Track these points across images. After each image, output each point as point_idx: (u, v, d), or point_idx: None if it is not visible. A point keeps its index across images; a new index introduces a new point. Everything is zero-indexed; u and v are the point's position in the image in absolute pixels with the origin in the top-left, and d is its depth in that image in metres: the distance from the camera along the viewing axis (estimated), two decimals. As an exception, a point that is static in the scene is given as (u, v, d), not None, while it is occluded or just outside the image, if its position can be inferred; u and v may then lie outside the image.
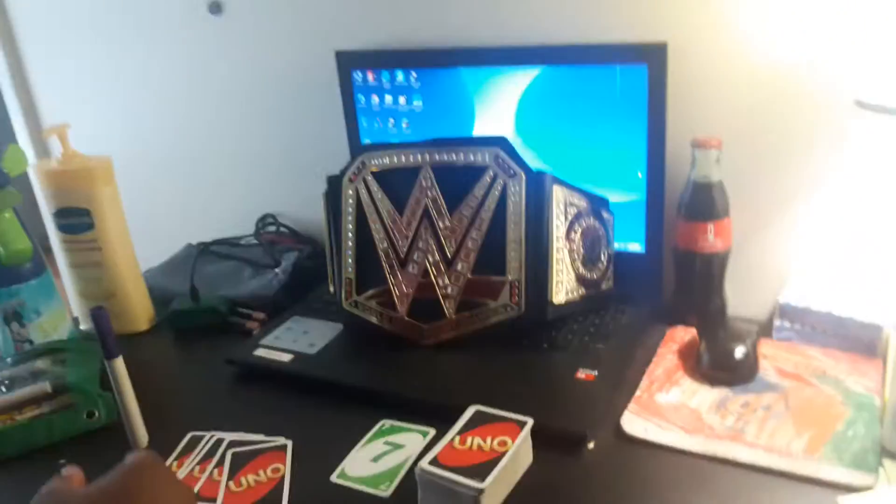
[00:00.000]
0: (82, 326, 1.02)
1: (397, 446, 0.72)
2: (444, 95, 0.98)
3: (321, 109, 1.10)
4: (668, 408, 0.73)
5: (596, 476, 0.65)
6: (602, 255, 0.89)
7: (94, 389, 0.80)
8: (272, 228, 1.21)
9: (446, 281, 0.84)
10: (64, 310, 0.99)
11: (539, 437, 0.68)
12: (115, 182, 0.98)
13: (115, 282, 0.98)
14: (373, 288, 0.88)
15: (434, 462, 0.63)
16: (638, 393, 0.75)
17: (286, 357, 0.88)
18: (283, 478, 0.69)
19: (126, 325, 1.00)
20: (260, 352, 0.89)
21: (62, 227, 0.97)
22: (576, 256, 0.86)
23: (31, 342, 0.95)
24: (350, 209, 0.89)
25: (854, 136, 0.82)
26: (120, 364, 0.74)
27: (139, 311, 1.01)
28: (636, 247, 0.94)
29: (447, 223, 0.85)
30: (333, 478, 0.69)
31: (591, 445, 0.69)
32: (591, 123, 0.91)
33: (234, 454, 0.73)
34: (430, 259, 0.85)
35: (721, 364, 0.77)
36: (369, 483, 0.67)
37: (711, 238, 0.85)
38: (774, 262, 0.90)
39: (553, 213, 0.82)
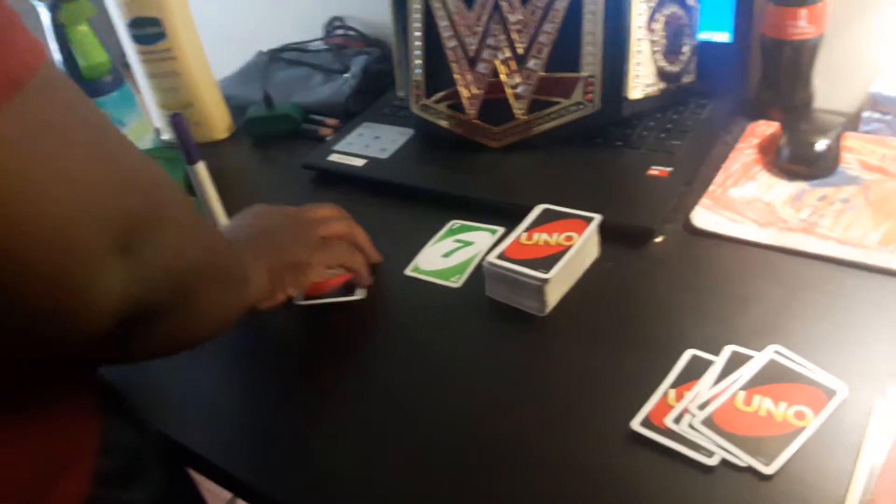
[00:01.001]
0: (164, 136, 1.06)
1: (467, 243, 0.74)
2: None
3: None
4: (742, 202, 0.71)
5: (662, 269, 0.66)
6: (684, 46, 0.84)
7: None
8: (340, 32, 1.19)
9: (517, 79, 0.82)
10: (146, 120, 1.03)
11: (607, 233, 0.68)
12: (182, -11, 0.97)
13: (192, 90, 1.00)
14: (442, 90, 0.87)
15: (501, 256, 0.65)
16: (712, 188, 0.74)
17: (359, 162, 0.89)
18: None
19: (205, 134, 1.03)
20: (334, 157, 0.91)
21: (136, 38, 0.98)
22: (656, 48, 0.81)
23: (120, 152, 0.99)
24: (417, 7, 0.86)
25: None
26: (202, 168, 0.77)
27: (216, 120, 1.04)
28: (722, 36, 0.87)
29: (519, 16, 0.81)
30: (407, 271, 0.72)
31: (659, 239, 0.69)
32: None
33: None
34: (501, 57, 0.82)
35: (801, 157, 0.73)
36: (441, 275, 0.70)
37: (804, 24, 0.78)
38: (868, 51, 0.83)
39: (633, 1, 0.77)
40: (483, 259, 0.67)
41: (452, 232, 0.76)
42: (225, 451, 0.58)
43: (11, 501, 0.44)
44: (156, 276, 0.40)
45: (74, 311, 0.35)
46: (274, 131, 1.01)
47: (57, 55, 0.93)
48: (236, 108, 1.07)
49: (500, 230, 0.74)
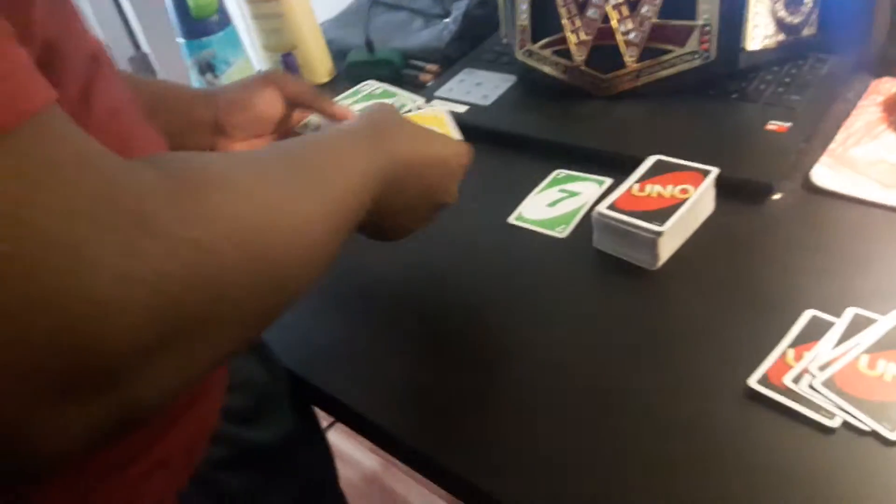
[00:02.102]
0: (268, 78, 1.07)
1: (573, 193, 0.74)
2: None
3: None
4: (865, 161, 0.68)
5: (780, 227, 0.64)
6: (806, -3, 0.80)
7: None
8: (441, -24, 1.17)
9: (629, 26, 0.80)
10: (250, 59, 1.04)
11: (723, 188, 0.66)
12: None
13: (295, 33, 1.01)
14: (548, 36, 0.85)
15: (612, 207, 0.64)
16: (832, 146, 0.71)
17: (461, 108, 0.89)
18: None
19: (307, 77, 1.04)
20: (435, 103, 0.91)
21: (242, -22, 0.99)
22: (776, -3, 0.78)
23: (224, 91, 1.02)
24: (526, -51, 0.84)
25: None
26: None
27: (319, 63, 1.05)
28: (847, -13, 0.83)
29: (632, -39, 0.78)
30: (511, 220, 0.72)
31: (777, 196, 0.67)
32: None
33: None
34: (612, 1, 0.80)
35: (934, 116, 0.70)
36: (546, 225, 0.70)
37: (944, -27, 0.74)
38: None
39: (755, -53, 0.74)
40: (591, 209, 0.67)
41: (557, 181, 0.76)
42: (352, 392, 0.60)
43: (135, 440, 0.44)
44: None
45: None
46: (374, 76, 1.02)
47: (168, -6, 0.95)
48: (337, 51, 1.07)
49: (608, 181, 0.73)
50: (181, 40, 0.99)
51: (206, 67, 1.01)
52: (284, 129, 0.72)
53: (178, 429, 0.47)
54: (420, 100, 0.87)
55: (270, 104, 0.69)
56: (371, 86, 0.94)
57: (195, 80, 1.02)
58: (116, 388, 0.26)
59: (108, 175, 0.27)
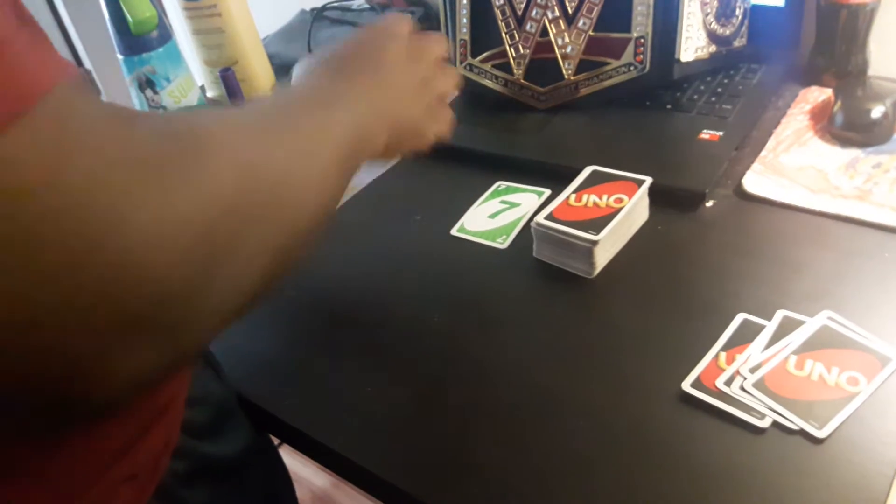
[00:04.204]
0: (209, 94, 1.06)
1: (513, 205, 0.74)
2: None
3: None
4: (794, 168, 0.70)
5: (713, 233, 0.66)
6: (737, 10, 0.83)
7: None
8: (383, -9, 1.18)
9: (566, 39, 0.81)
10: (192, 76, 1.03)
11: (657, 197, 0.68)
12: (227, -56, 0.97)
13: (237, 48, 1.00)
14: (488, 50, 0.86)
15: (550, 217, 0.65)
16: (763, 153, 0.73)
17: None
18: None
19: (249, 92, 1.03)
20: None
21: (181, -6, 0.98)
22: (708, 10, 0.80)
23: (164, 108, 1.00)
24: (464, -36, 0.85)
25: None
26: (249, 125, 0.77)
27: (261, 78, 1.04)
28: (775, 0, 0.86)
29: (567, -24, 0.80)
30: (453, 232, 0.72)
31: (709, 204, 0.68)
32: None
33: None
34: (550, 16, 0.81)
35: (855, 124, 0.72)
36: (487, 236, 0.71)
37: (863, -14, 0.77)
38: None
39: (684, -39, 0.76)
40: (530, 220, 0.67)
41: (498, 193, 0.76)
42: (295, 410, 0.59)
43: (115, 442, 0.44)
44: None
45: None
46: (317, 90, 1.01)
47: (105, 10, 0.94)
48: (279, 66, 1.07)
49: (547, 192, 0.74)
50: (120, 56, 0.98)
51: (146, 84, 0.99)
52: None
53: (148, 439, 0.47)
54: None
55: None
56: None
57: (135, 97, 1.00)
58: (162, 326, 0.28)
59: (138, 130, 0.29)
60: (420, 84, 0.56)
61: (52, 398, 0.28)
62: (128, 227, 0.26)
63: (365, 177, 0.83)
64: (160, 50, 0.98)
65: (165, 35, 0.99)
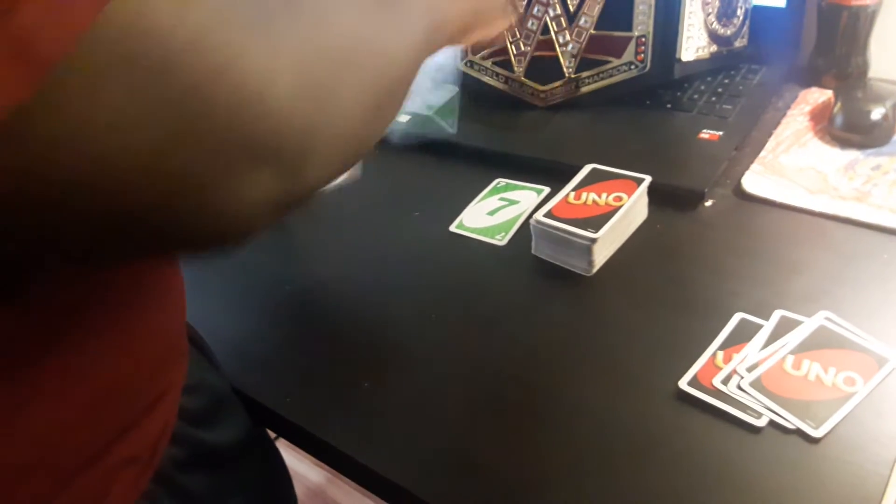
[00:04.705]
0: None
1: (512, 202, 0.74)
2: None
3: None
4: (794, 169, 0.71)
5: (711, 232, 0.66)
6: (738, 10, 0.83)
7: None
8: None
9: (567, 37, 0.81)
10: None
11: (656, 195, 0.68)
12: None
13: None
14: (489, 47, 0.86)
15: (549, 215, 0.65)
16: (763, 154, 0.73)
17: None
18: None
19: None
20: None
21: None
22: (710, 10, 0.80)
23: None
24: (466, -39, 0.85)
25: None
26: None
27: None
28: (776, 1, 0.86)
29: (569, -27, 0.80)
30: (452, 228, 0.72)
31: (708, 203, 0.69)
32: None
33: (358, 205, 0.77)
34: (551, 13, 0.81)
35: (855, 125, 0.72)
36: (486, 233, 0.71)
37: (864, -12, 0.77)
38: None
39: (686, -39, 0.76)
40: (529, 217, 0.67)
41: (497, 190, 0.76)
42: (290, 402, 0.60)
43: (110, 425, 0.45)
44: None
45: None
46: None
47: None
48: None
49: (546, 190, 0.74)
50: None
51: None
52: None
53: (147, 421, 0.47)
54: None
55: None
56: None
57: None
58: (284, 156, 0.31)
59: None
60: None
61: (188, 223, 0.30)
62: (244, 60, 0.28)
63: (364, 172, 0.83)
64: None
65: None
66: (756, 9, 0.85)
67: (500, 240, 0.70)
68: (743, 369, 0.52)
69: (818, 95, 0.81)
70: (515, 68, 0.85)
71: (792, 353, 0.53)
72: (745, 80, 0.83)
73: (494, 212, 0.73)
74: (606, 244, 0.64)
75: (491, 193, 0.76)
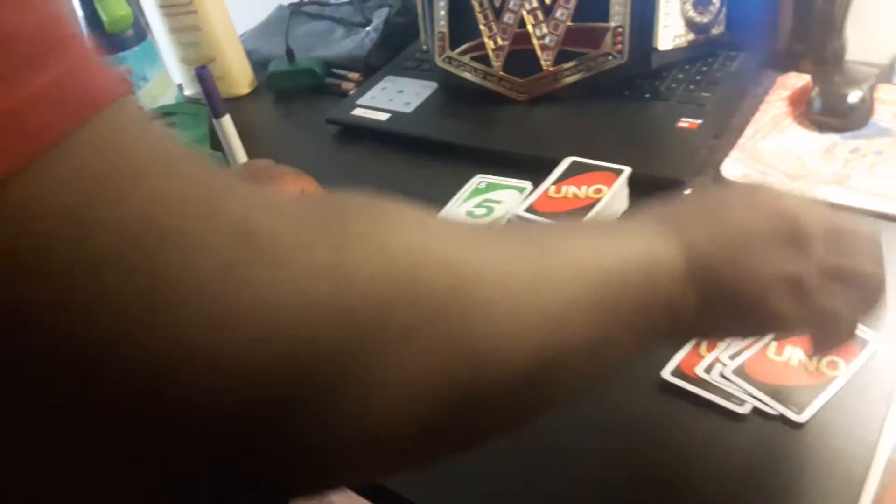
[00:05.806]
0: (186, 92, 1.06)
1: (496, 202, 0.74)
2: None
3: None
4: (772, 154, 0.71)
5: (692, 221, 0.66)
6: (713, -3, 0.83)
7: (204, 149, 0.84)
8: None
9: (544, 30, 0.81)
10: (168, 74, 1.02)
11: (637, 186, 0.68)
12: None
13: (214, 45, 1.00)
14: (467, 42, 0.86)
15: (529, 209, 0.65)
16: (742, 140, 0.73)
17: (383, 116, 0.89)
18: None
19: (227, 89, 1.02)
20: (357, 111, 0.91)
21: (157, -9, 0.97)
22: (684, -2, 0.80)
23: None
24: (440, -43, 0.85)
25: None
26: (228, 122, 0.77)
27: (239, 75, 1.03)
28: (752, -13, 0.86)
29: (544, -34, 0.80)
30: (434, 225, 0.72)
31: (689, 191, 0.68)
32: None
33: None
34: (527, 6, 0.81)
35: (833, 109, 0.72)
36: (468, 229, 0.70)
37: (839, -29, 0.77)
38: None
39: (661, -50, 0.76)
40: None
41: (479, 192, 0.76)
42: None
43: None
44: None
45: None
46: (296, 86, 1.01)
47: (79, 10, 0.93)
48: (258, 63, 1.06)
49: (528, 186, 0.74)
50: (95, 56, 0.97)
51: (123, 83, 0.98)
52: None
53: None
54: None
55: None
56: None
57: (112, 97, 0.99)
58: (344, 386, 0.25)
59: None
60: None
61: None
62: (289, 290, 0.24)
63: (339, 168, 0.82)
64: (136, 49, 0.97)
65: (141, 33, 0.98)
66: (732, -5, 0.85)
67: (483, 236, 0.69)
68: (726, 357, 0.52)
69: (796, 80, 0.81)
70: (493, 63, 0.84)
71: (775, 338, 0.53)
72: (723, 67, 0.83)
73: (476, 212, 0.73)
74: (588, 236, 0.64)
75: (473, 195, 0.76)
